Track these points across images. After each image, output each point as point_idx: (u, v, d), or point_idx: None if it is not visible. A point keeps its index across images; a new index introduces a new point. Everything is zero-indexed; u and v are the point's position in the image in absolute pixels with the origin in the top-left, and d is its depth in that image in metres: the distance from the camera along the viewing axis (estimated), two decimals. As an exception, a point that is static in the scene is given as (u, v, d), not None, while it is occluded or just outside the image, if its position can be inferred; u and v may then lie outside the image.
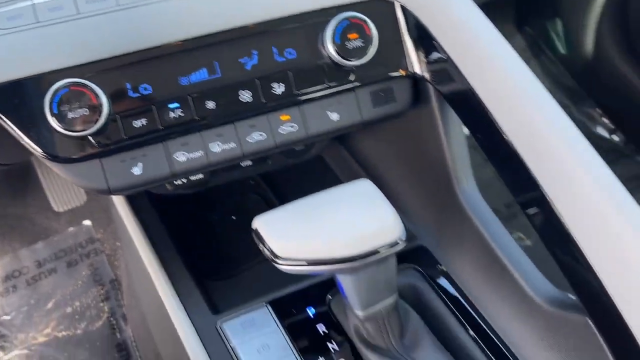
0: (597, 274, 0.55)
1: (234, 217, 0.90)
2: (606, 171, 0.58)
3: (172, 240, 0.80)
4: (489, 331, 0.66)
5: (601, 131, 1.73)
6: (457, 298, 0.70)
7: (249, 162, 0.77)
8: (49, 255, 1.37)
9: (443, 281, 0.72)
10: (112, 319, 1.27)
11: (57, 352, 1.23)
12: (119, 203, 0.84)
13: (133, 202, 0.84)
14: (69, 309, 1.29)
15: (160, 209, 0.85)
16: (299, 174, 0.88)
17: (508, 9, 1.68)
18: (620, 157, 1.66)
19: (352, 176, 0.66)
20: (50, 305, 1.30)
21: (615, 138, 1.70)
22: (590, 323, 0.58)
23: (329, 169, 0.93)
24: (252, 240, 0.81)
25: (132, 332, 1.23)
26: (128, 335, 1.24)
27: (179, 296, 0.72)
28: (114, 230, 1.39)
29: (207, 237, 0.86)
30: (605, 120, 1.73)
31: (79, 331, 1.26)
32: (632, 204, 0.56)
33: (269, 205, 0.65)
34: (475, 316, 0.68)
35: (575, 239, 0.56)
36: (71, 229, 1.40)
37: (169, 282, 0.73)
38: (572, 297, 0.61)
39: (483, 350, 0.65)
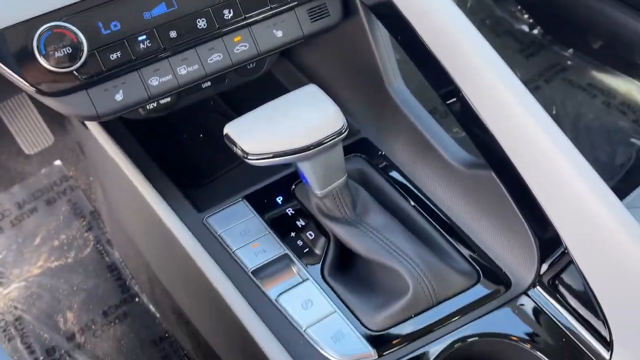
0: (497, 139, 0.72)
1: (201, 135, 1.02)
2: (501, 64, 0.73)
3: (151, 158, 0.93)
4: (420, 195, 0.83)
5: (523, 27, 1.89)
6: (395, 174, 0.86)
7: (208, 83, 0.88)
8: (27, 197, 1.46)
9: (383, 163, 0.88)
10: (98, 245, 1.39)
11: (53, 279, 1.35)
12: (97, 131, 0.94)
13: (110, 129, 0.94)
14: (56, 242, 1.40)
15: (135, 133, 0.96)
16: (253, 89, 1.00)
17: None
18: (540, 49, 1.84)
19: (299, 86, 0.78)
20: (37, 241, 1.40)
21: (535, 32, 1.87)
22: (494, 175, 0.75)
23: (279, 82, 1.05)
24: (221, 150, 0.94)
25: (120, 254, 1.37)
26: (116, 257, 1.37)
27: (167, 202, 0.85)
28: (84, 167, 1.49)
29: (180, 154, 0.98)
30: (526, 16, 1.89)
31: (69, 260, 1.38)
32: (519, 86, 0.72)
33: (229, 120, 0.77)
34: (410, 185, 0.85)
35: (480, 117, 0.72)
36: (44, 170, 1.49)
37: (156, 191, 0.86)
38: (481, 160, 0.78)
39: (417, 210, 0.82)
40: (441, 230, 0.81)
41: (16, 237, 1.41)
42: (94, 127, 0.93)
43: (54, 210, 1.44)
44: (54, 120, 1.49)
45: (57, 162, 1.50)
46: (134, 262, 1.31)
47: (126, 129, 0.95)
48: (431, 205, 0.83)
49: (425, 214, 0.82)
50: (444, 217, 0.82)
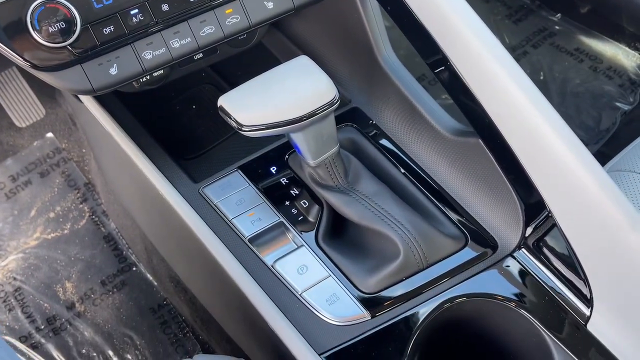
0: (484, 108, 0.74)
1: (194, 106, 1.03)
2: (487, 33, 0.74)
3: (145, 130, 0.94)
4: (410, 162, 0.86)
5: (511, -8, 1.89)
6: (385, 142, 0.88)
7: (200, 55, 0.89)
8: (20, 170, 1.47)
9: (374, 132, 0.90)
10: (94, 216, 1.41)
11: (51, 251, 1.37)
12: (91, 104, 0.94)
13: (103, 102, 0.95)
14: (52, 214, 1.42)
15: (128, 106, 0.97)
16: (244, 60, 1.01)
17: None
18: (528, 14, 1.84)
19: (291, 57, 0.79)
20: (33, 213, 1.42)
21: (524, -3, 1.87)
22: (481, 142, 0.77)
23: (270, 53, 1.06)
24: (215, 121, 0.95)
25: (115, 224, 1.39)
26: (112, 228, 1.39)
27: (162, 173, 0.87)
28: (77, 138, 1.49)
29: (174, 125, 1.00)
30: (514, -19, 1.89)
31: (66, 231, 1.40)
32: (506, 55, 0.73)
33: (221, 91, 0.78)
34: (400, 153, 0.87)
35: (468, 85, 0.74)
36: (36, 142, 1.49)
37: (152, 163, 0.87)
38: (469, 127, 0.80)
39: (407, 177, 0.85)
40: (430, 196, 0.83)
41: (12, 209, 1.42)
42: (87, 101, 0.94)
43: (48, 182, 1.45)
44: (45, 93, 1.49)
45: (49, 135, 1.50)
46: (130, 232, 1.33)
47: (120, 101, 0.96)
48: (421, 172, 0.86)
49: (415, 181, 0.85)
50: (433, 184, 0.85)
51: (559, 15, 1.78)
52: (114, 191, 1.30)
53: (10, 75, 1.47)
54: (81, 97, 0.93)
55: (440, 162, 0.84)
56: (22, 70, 1.45)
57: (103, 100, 0.93)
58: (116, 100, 0.96)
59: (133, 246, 1.35)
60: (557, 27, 1.77)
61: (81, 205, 1.42)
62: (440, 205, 0.82)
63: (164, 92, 0.99)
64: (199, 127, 0.98)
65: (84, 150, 1.48)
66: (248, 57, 0.98)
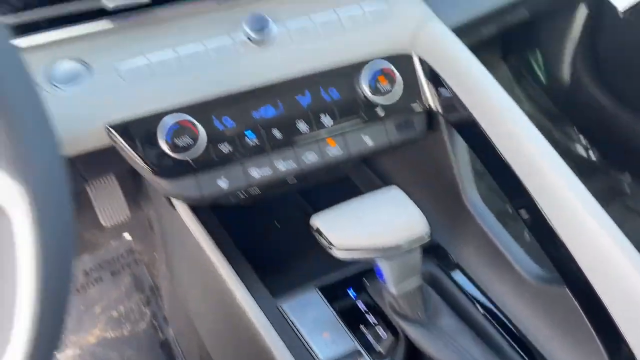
0: (573, 256, 0.74)
1: (277, 224, 1.08)
2: (577, 183, 0.77)
3: (231, 241, 0.98)
4: (491, 305, 0.85)
5: (579, 149, 1.94)
6: (464, 280, 0.89)
7: (294, 180, 0.96)
8: (94, 266, 1.53)
9: (454, 269, 0.91)
10: (154, 321, 1.43)
11: (107, 350, 1.38)
12: (184, 212, 1.01)
13: (195, 210, 1.01)
14: (114, 313, 1.45)
15: (219, 217, 1.03)
16: (330, 189, 1.07)
17: (495, 44, 1.91)
18: (595, 172, 1.88)
19: (372, 189, 0.83)
20: (98, 310, 1.45)
21: (592, 155, 1.91)
22: (568, 292, 0.77)
23: (354, 185, 1.12)
24: (297, 239, 0.99)
25: (174, 332, 1.39)
26: (170, 334, 1.40)
27: (245, 285, 0.89)
28: (151, 242, 1.56)
29: (258, 239, 1.04)
30: (582, 139, 1.95)
31: (125, 332, 1.42)
32: (596, 206, 0.76)
33: (306, 214, 0.83)
34: (480, 294, 0.87)
35: (556, 231, 0.75)
36: (113, 242, 1.57)
37: (236, 274, 0.91)
38: (554, 273, 0.80)
39: (487, 319, 0.84)
40: (511, 341, 0.82)
41: (79, 303, 1.46)
42: (180, 207, 1.00)
43: (117, 281, 1.50)
44: (132, 197, 1.60)
45: (127, 236, 1.58)
46: (187, 341, 1.33)
47: (209, 210, 1.02)
48: (501, 315, 0.85)
49: (495, 324, 0.84)
50: (513, 329, 0.83)
51: (628, 175, 1.81)
52: (180, 297, 1.32)
53: (106, 181, 1.60)
54: (176, 203, 1.00)
55: (523, 307, 0.83)
56: (117, 177, 1.57)
57: (195, 208, 1.00)
58: (207, 209, 1.02)
59: (188, 356, 1.34)
60: (626, 187, 1.78)
61: (144, 308, 1.45)
62: (521, 353, 0.80)
63: (252, 207, 1.05)
64: (282, 244, 1.02)
65: (155, 255, 1.54)
66: (334, 185, 1.04)
